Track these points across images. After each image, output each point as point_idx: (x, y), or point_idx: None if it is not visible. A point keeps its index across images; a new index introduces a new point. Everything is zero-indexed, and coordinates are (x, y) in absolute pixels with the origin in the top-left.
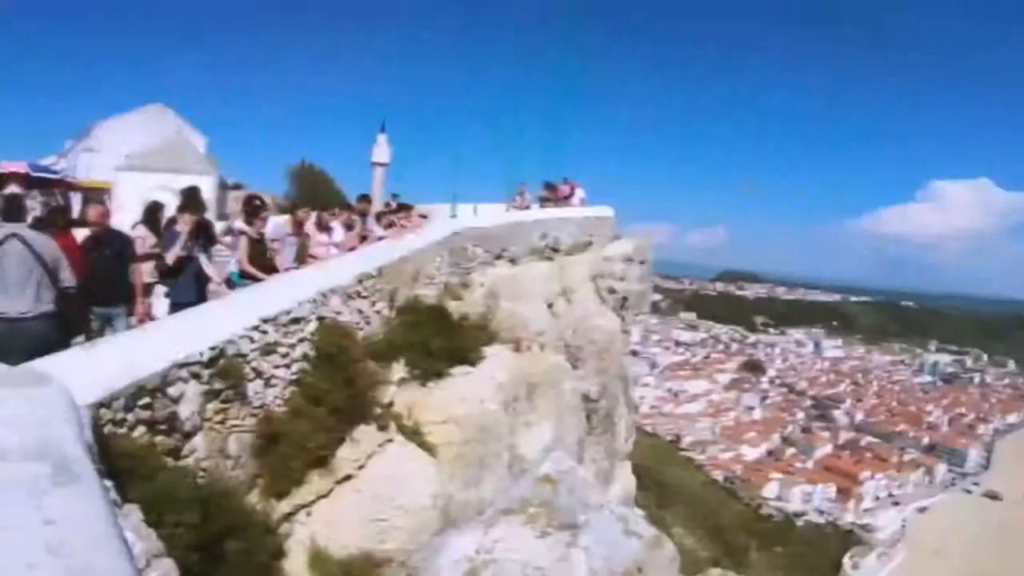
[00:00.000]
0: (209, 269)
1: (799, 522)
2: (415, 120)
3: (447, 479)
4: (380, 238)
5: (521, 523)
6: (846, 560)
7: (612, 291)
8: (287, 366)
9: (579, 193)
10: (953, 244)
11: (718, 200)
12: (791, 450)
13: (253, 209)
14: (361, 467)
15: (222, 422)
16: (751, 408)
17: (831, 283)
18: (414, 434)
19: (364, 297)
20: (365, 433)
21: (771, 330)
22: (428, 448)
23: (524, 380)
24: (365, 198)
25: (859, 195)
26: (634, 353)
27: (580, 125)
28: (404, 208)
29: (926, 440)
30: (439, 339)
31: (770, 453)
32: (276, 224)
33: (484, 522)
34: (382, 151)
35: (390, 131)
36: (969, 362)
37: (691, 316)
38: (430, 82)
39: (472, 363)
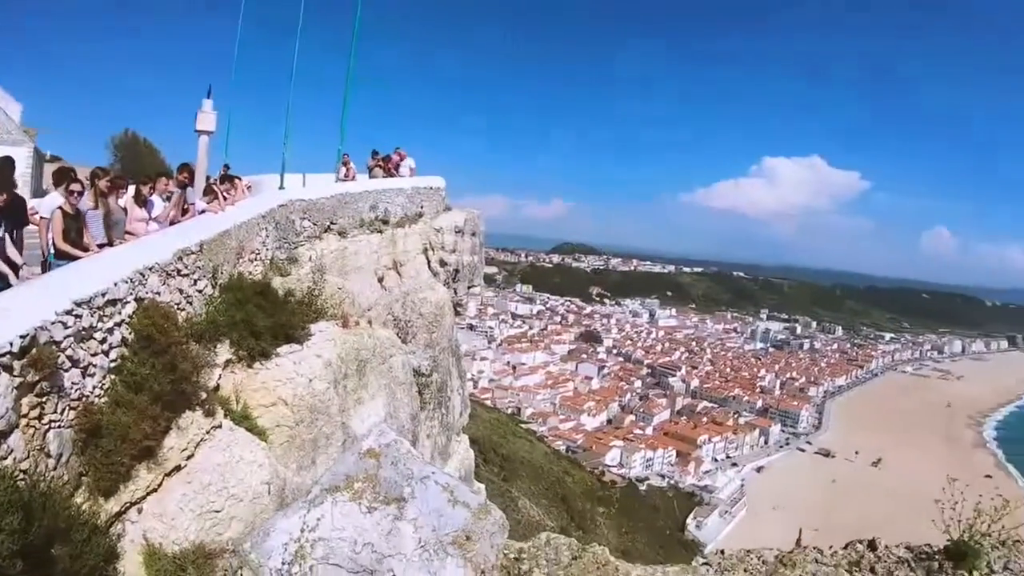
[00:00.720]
0: (12, 252)
1: (642, 487)
2: (247, 85)
3: (280, 463)
4: (202, 211)
5: (347, 500)
6: (690, 520)
7: (443, 264)
8: (105, 353)
9: (408, 163)
10: (784, 218)
11: (555, 173)
12: (630, 418)
13: (61, 179)
14: (190, 456)
15: (39, 417)
16: (589, 378)
17: (666, 255)
18: (243, 418)
19: (185, 275)
20: (191, 420)
21: (607, 301)
22: (258, 432)
23: (353, 357)
24: (185, 167)
25: (694, 170)
26: (471, 327)
27: (415, 94)
28: (229, 180)
29: (760, 403)
30: (264, 317)
31: (610, 421)
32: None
33: (309, 501)
34: (207, 119)
35: (217, 98)
36: (799, 329)
37: (527, 288)
38: (260, 44)
39: (299, 341)
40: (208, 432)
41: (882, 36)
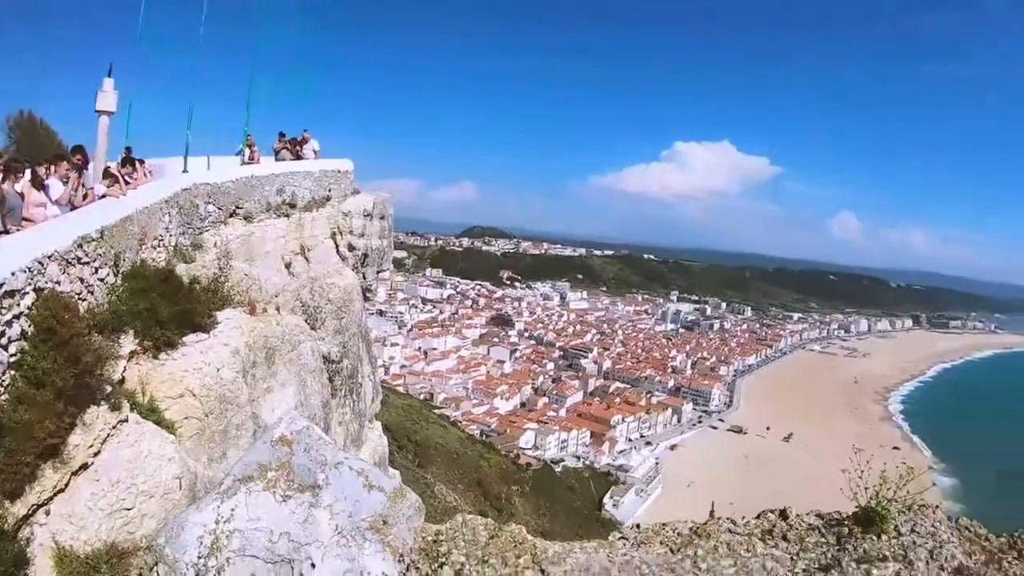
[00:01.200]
0: None
1: (557, 468)
2: (150, 65)
3: (190, 457)
4: (103, 196)
5: (261, 489)
6: (606, 500)
7: (352, 248)
8: (4, 347)
9: (312, 145)
10: (694, 202)
11: (465, 157)
12: (543, 400)
13: None
14: (97, 453)
15: None
16: (502, 362)
17: (576, 238)
18: (150, 411)
19: (86, 263)
20: (97, 415)
21: (518, 284)
22: (166, 425)
23: (262, 344)
24: (78, 149)
25: (605, 155)
26: (381, 313)
27: (324, 75)
28: (131, 163)
29: (672, 383)
30: (169, 306)
31: (523, 404)
32: None
33: (223, 492)
34: (108, 99)
35: (118, 77)
36: (709, 310)
37: (438, 273)
38: (165, 20)
39: (206, 330)
40: (115, 427)
41: (790, 25)
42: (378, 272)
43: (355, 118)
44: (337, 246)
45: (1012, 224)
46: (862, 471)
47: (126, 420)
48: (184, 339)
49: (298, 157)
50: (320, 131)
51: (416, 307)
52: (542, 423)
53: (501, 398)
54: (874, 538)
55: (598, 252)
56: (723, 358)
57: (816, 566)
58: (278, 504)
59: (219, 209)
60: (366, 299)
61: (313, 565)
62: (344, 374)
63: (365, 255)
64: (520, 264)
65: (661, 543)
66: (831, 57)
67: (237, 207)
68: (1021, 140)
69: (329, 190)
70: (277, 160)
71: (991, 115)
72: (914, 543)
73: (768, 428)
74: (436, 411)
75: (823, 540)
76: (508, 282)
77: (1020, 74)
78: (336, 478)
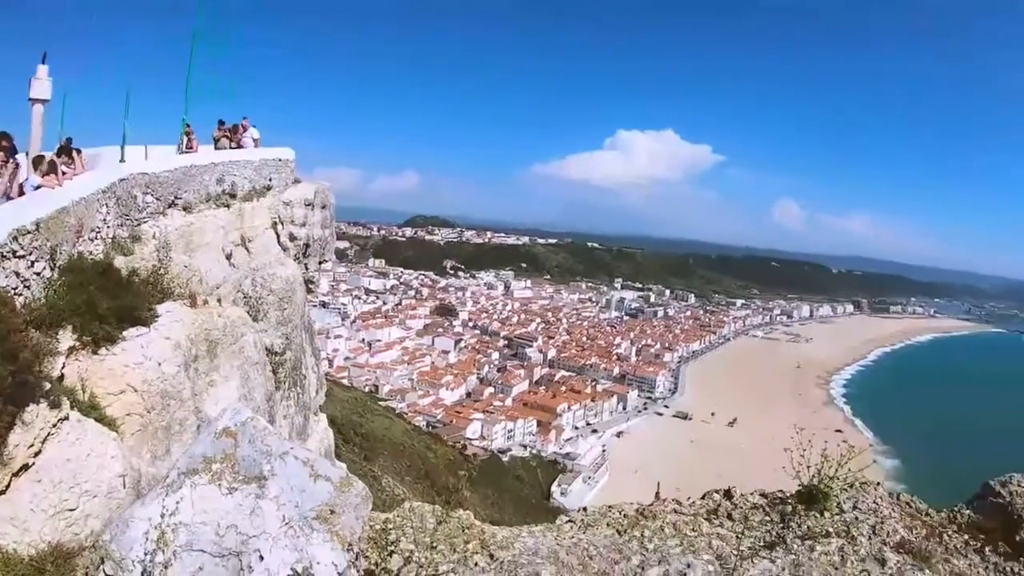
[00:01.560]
0: None
1: (505, 458)
2: (86, 52)
3: (133, 454)
4: (38, 187)
5: (206, 482)
6: (554, 488)
7: (293, 238)
8: None
9: (251, 133)
10: (637, 190)
11: (406, 146)
12: (489, 390)
13: None
14: (38, 453)
15: None
16: (446, 352)
17: (520, 226)
18: (91, 408)
19: (21, 257)
20: (36, 414)
21: (461, 274)
22: (108, 422)
23: (203, 337)
24: (3, 136)
25: (548, 143)
26: (324, 304)
27: (263, 63)
28: (67, 152)
29: (617, 370)
30: (108, 300)
31: (469, 394)
32: None
33: (167, 487)
34: (42, 86)
35: (53, 64)
36: (653, 297)
37: (381, 263)
38: (98, 11)
39: (146, 324)
40: (55, 426)
41: (734, 14)
42: (320, 262)
43: (295, 106)
44: (278, 236)
45: (949, 212)
46: (804, 451)
47: (67, 418)
48: (124, 333)
49: (238, 146)
50: (260, 120)
51: (359, 298)
52: (488, 413)
53: (447, 389)
54: (817, 515)
55: (542, 240)
56: (667, 345)
57: (761, 543)
58: (224, 497)
59: (158, 200)
60: (309, 290)
61: (261, 557)
62: (288, 366)
63: (307, 245)
64: (464, 253)
65: (608, 525)
66: (774, 47)
67: (176, 197)
68: (957, 130)
69: (270, 179)
70: (216, 149)
71: (931, 105)
72: (856, 519)
73: (713, 414)
74: (381, 403)
75: (767, 518)
76: (452, 272)
77: (962, 66)
78: (282, 468)
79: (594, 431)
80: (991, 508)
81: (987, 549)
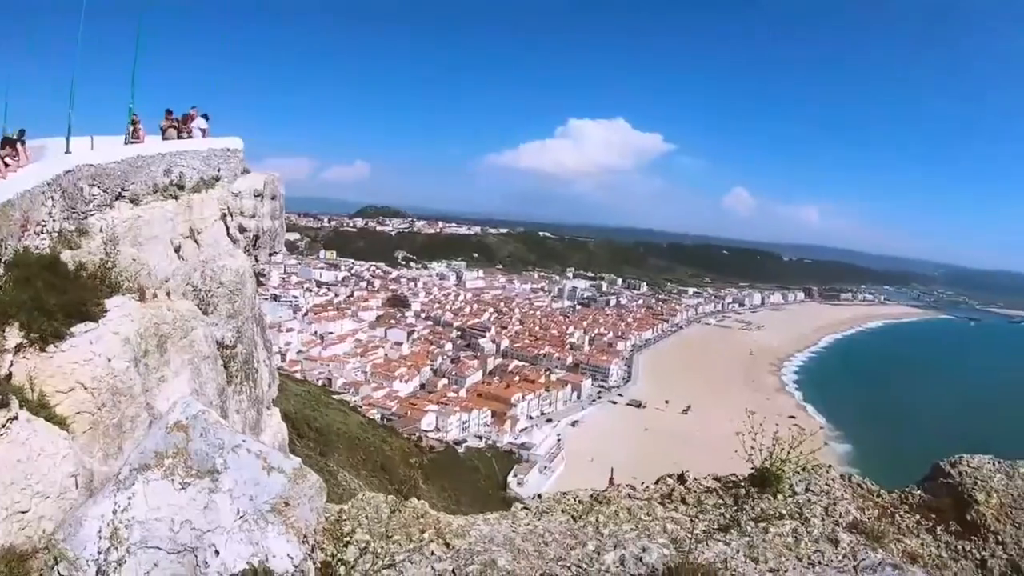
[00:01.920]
0: None
1: (460, 449)
2: (29, 42)
3: (85, 453)
4: None
5: (159, 478)
6: (511, 478)
7: (243, 230)
8: None
9: (198, 123)
10: (588, 179)
11: (357, 136)
12: (443, 381)
13: None
14: None
15: None
16: (399, 344)
17: (471, 216)
18: (41, 407)
19: None
20: None
21: (413, 264)
22: (58, 421)
23: (153, 332)
24: None
25: (499, 132)
26: (275, 297)
27: (212, 51)
28: (10, 144)
29: (570, 360)
30: (55, 295)
31: (423, 386)
32: None
33: (119, 483)
34: None
35: None
36: (605, 286)
37: (332, 255)
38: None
39: (95, 319)
40: (4, 426)
41: (684, 3)
42: (271, 254)
43: (244, 95)
44: (228, 228)
45: (896, 202)
46: (755, 434)
47: (16, 418)
48: (73, 329)
49: (188, 135)
50: (209, 109)
51: (311, 291)
52: (442, 404)
53: (400, 381)
54: (770, 497)
55: (493, 230)
56: (620, 334)
57: (715, 526)
58: (177, 492)
59: (104, 192)
60: (259, 283)
61: (217, 552)
62: (239, 360)
63: (257, 237)
64: (415, 244)
65: (563, 511)
66: (724, 36)
67: (123, 189)
68: (902, 118)
69: (218, 170)
70: (164, 139)
71: (879, 95)
72: (809, 501)
73: (667, 401)
74: (335, 396)
75: (721, 502)
76: (403, 262)
77: (912, 56)
78: (235, 461)
79: (549, 421)
80: (941, 488)
81: (938, 528)
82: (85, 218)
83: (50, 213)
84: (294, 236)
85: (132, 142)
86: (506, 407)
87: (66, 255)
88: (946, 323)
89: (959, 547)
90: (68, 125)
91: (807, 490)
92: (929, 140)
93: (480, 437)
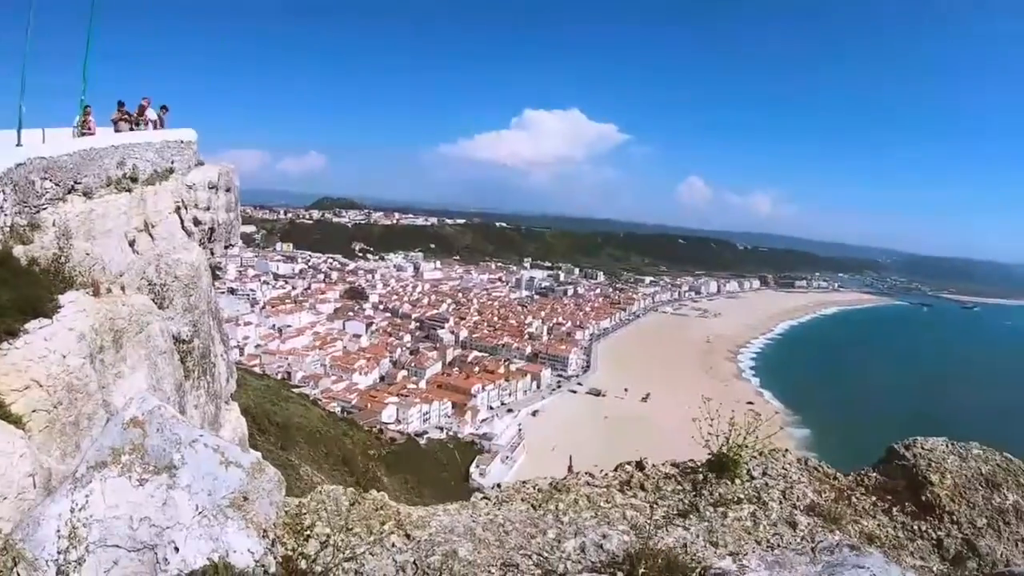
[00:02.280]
0: None
1: (422, 441)
2: None
3: (42, 452)
4: None
5: (116, 475)
6: (473, 469)
7: (198, 222)
8: None
9: (149, 114)
10: (544, 169)
11: (312, 126)
12: (403, 373)
13: None
14: None
15: None
16: (358, 336)
17: (428, 207)
18: None
19: None
20: None
21: (370, 256)
22: (14, 420)
23: (108, 327)
24: None
25: (455, 122)
26: (232, 291)
27: (164, 43)
28: None
29: (529, 350)
30: (8, 291)
31: (383, 378)
32: None
33: (76, 481)
34: None
35: None
36: (562, 276)
37: (288, 247)
38: None
39: (48, 315)
40: None
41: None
42: (226, 247)
43: (195, 87)
44: (182, 221)
45: (847, 191)
46: (712, 420)
47: None
48: (26, 326)
49: (144, 126)
50: (164, 101)
51: (268, 284)
52: (403, 396)
53: (360, 373)
54: (728, 482)
55: (450, 221)
56: (579, 323)
57: (675, 512)
58: (135, 488)
59: (56, 185)
60: (215, 276)
61: (177, 549)
62: (196, 354)
63: (212, 229)
64: (372, 235)
65: (523, 500)
66: (675, 25)
67: (76, 182)
68: (853, 108)
69: (172, 162)
70: (116, 131)
71: (833, 82)
72: (767, 485)
73: (626, 390)
74: (295, 390)
75: (680, 487)
76: (360, 254)
77: (867, 41)
78: (192, 457)
79: (509, 411)
80: (897, 470)
81: (894, 509)
82: (37, 212)
83: (1, 207)
84: (250, 229)
85: (84, 134)
86: (466, 398)
87: (18, 250)
88: (899, 309)
89: (915, 527)
90: (19, 117)
91: (764, 474)
92: (878, 125)
93: (441, 428)
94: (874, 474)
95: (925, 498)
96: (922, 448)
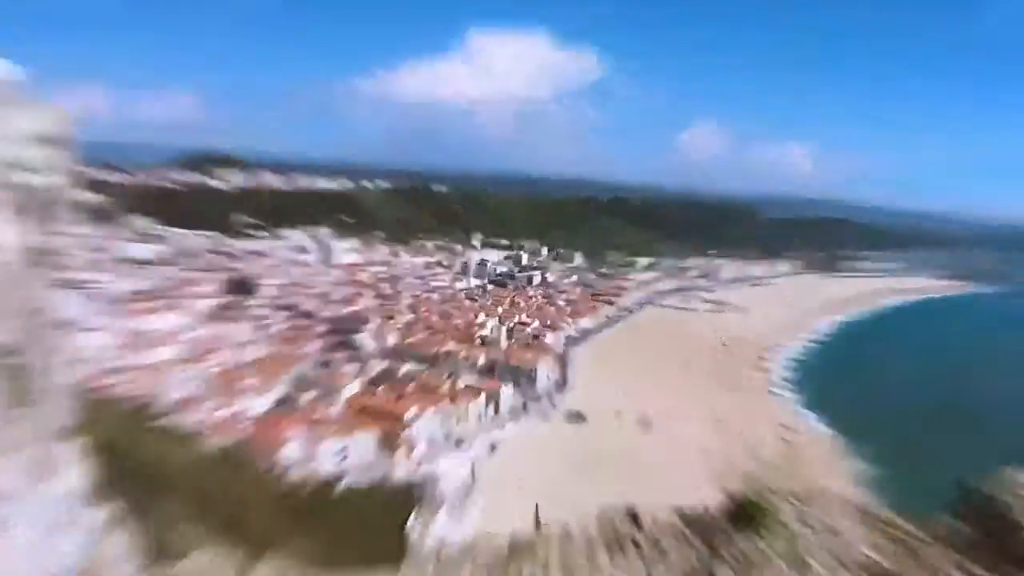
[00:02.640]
0: None
1: (338, 487)
2: None
3: None
4: None
5: None
6: (410, 525)
7: (15, 188)
8: None
9: None
10: (496, 111)
11: (178, 58)
12: (309, 394)
13: None
14: None
15: None
16: (245, 344)
17: (340, 164)
18: None
19: None
20: None
21: (261, 233)
22: None
23: None
24: None
25: (373, 46)
26: (70, 284)
27: None
28: None
29: (483, 360)
30: None
31: (282, 402)
32: None
33: None
34: None
35: None
36: (525, 258)
37: (147, 222)
38: None
39: None
40: None
41: None
42: (59, 223)
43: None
44: None
45: (918, 134)
46: (731, 450)
47: None
48: None
49: None
50: None
51: (120, 273)
52: (311, 425)
53: (250, 395)
54: (754, 537)
55: (369, 183)
56: (550, 323)
57: None
58: None
59: None
60: (43, 265)
61: None
62: (20, 374)
63: (37, 198)
64: (262, 204)
65: (474, 565)
66: None
67: None
68: (917, 39)
69: None
70: None
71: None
72: (806, 538)
73: (618, 413)
74: (162, 419)
75: (688, 545)
76: (246, 231)
77: None
78: (20, 518)
79: (458, 443)
80: (975, 513)
81: (975, 566)
82: None
83: None
84: (91, 195)
85: None
86: (398, 427)
87: None
88: (991, 300)
89: None
90: None
91: (803, 524)
92: (946, 72)
93: (365, 469)
94: (947, 519)
95: (1015, 549)
96: (1011, 482)
